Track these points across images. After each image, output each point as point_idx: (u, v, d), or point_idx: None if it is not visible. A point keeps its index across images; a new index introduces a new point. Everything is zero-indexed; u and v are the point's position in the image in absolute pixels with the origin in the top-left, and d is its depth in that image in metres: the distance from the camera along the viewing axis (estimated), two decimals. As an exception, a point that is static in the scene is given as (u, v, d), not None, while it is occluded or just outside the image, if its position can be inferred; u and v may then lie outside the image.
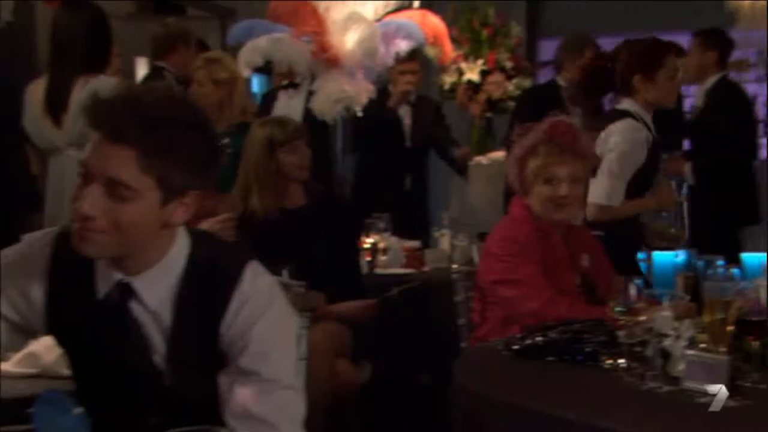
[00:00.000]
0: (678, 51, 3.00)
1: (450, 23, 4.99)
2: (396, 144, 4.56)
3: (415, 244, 3.81)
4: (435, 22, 3.56)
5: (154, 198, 1.29)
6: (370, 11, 3.47)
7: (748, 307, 1.76)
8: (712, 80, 4.39)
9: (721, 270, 2.09)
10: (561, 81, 4.45)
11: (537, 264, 2.33)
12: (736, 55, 6.49)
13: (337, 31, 3.36)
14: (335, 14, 3.37)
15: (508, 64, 4.77)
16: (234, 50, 3.64)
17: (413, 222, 4.35)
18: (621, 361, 1.84)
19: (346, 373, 2.68)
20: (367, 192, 4.65)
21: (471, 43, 4.77)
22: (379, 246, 3.52)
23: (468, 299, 2.52)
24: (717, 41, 4.42)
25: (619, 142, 2.88)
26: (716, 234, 4.15)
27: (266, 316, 1.36)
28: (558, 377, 1.83)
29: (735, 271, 2.11)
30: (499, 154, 4.52)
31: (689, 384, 1.66)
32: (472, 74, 4.73)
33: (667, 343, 1.72)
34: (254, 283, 1.38)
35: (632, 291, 1.88)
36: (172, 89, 1.45)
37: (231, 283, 1.36)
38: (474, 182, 4.71)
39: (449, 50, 3.70)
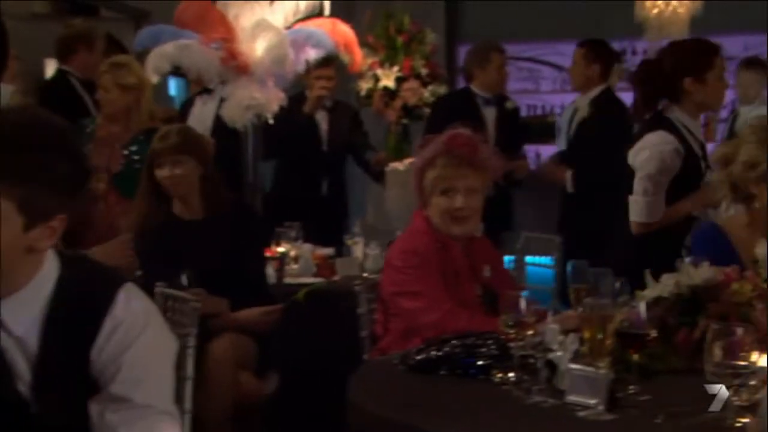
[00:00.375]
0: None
1: (366, 30, 5.02)
2: (312, 149, 4.55)
3: (328, 251, 3.81)
4: (345, 30, 3.56)
5: (16, 224, 1.25)
6: (279, 19, 3.44)
7: (630, 320, 1.81)
8: (595, 91, 4.50)
9: (610, 281, 2.16)
10: (475, 88, 4.52)
11: (437, 276, 2.35)
12: (646, 63, 6.77)
13: (246, 39, 3.32)
14: (244, 21, 3.33)
15: (424, 71, 4.81)
16: (142, 55, 3.57)
17: (330, 228, 4.35)
18: (511, 374, 1.87)
19: (249, 385, 2.66)
20: (284, 198, 4.64)
21: (386, 49, 4.78)
22: (291, 254, 3.50)
23: (371, 311, 2.53)
24: (601, 53, 4.54)
25: (646, 159, 2.83)
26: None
27: (140, 340, 1.33)
28: (449, 392, 1.85)
29: (625, 282, 2.18)
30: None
31: (572, 398, 1.70)
32: (388, 81, 4.75)
33: (552, 356, 1.76)
34: (128, 307, 1.35)
35: (522, 304, 1.91)
36: (34, 111, 1.39)
37: (102, 307, 1.33)
38: (390, 188, 4.72)
39: (359, 58, 3.70)
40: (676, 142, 2.84)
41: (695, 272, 1.99)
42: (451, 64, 6.21)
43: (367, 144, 4.67)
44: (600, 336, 1.69)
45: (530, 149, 5.55)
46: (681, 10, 5.32)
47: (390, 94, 4.81)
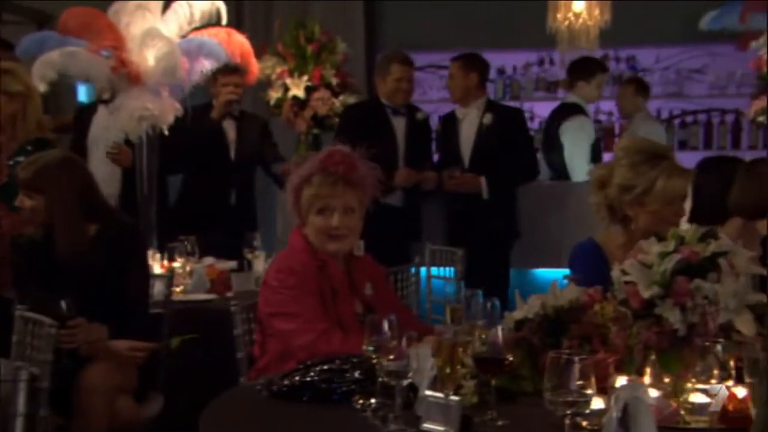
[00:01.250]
0: None
1: (276, 38, 4.96)
2: (219, 159, 4.46)
3: (231, 265, 3.73)
4: (241, 40, 3.48)
5: None
6: (174, 28, 3.35)
7: (490, 344, 1.79)
8: (480, 102, 4.57)
9: (481, 300, 2.14)
10: (382, 98, 4.49)
11: (314, 295, 2.30)
12: (562, 74, 6.86)
13: (137, 48, 3.22)
14: (135, 30, 3.23)
15: (334, 81, 4.77)
16: (30, 62, 3.43)
17: (237, 241, 4.26)
18: (372, 401, 1.83)
19: (127, 410, 2.57)
20: (190, 209, 4.53)
21: (296, 58, 4.73)
22: (186, 269, 3.41)
23: (251, 331, 2.46)
24: (476, 64, 4.61)
25: None
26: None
27: None
28: (306, 420, 1.80)
29: (496, 303, 2.17)
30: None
31: (427, 425, 1.67)
32: (297, 90, 4.70)
33: (407, 382, 1.73)
34: None
35: (385, 326, 1.87)
36: None
37: None
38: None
39: (255, 69, 3.64)
40: None
41: (561, 293, 1.99)
42: (370, 73, 6.20)
43: (276, 155, 4.60)
44: (450, 364, 1.66)
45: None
46: (590, 23, 5.41)
47: (300, 103, 4.76)
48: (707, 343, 1.59)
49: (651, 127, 5.44)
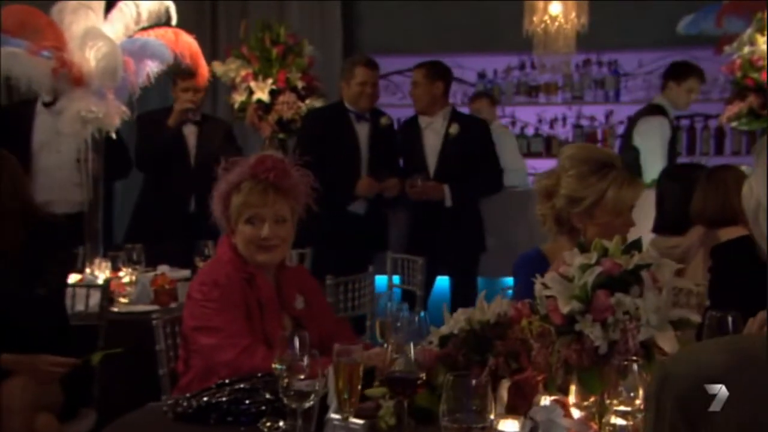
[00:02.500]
0: None
1: (241, 40, 4.84)
2: (179, 165, 4.34)
3: (185, 273, 3.61)
4: (189, 41, 3.35)
5: None
6: (120, 28, 3.22)
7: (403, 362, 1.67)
8: (446, 110, 4.47)
9: (406, 314, 2.02)
10: (346, 103, 4.36)
11: (238, 310, 2.18)
12: (543, 78, 6.76)
13: (77, 48, 3.09)
14: (77, 30, 3.10)
15: (300, 84, 4.65)
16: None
17: (196, 248, 4.14)
18: (281, 423, 1.71)
19: (47, 428, 2.43)
20: (150, 216, 4.42)
21: (261, 61, 4.61)
22: (131, 279, 3.29)
23: (176, 346, 2.34)
24: (441, 72, 4.51)
25: None
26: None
27: None
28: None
29: (422, 314, 2.05)
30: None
31: (330, 450, 1.55)
32: (262, 94, 4.57)
33: (308, 405, 1.60)
34: None
35: (297, 344, 1.75)
36: None
37: None
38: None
39: (205, 72, 3.51)
40: None
41: (488, 307, 1.86)
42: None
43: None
44: (348, 386, 1.53)
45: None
46: (567, 26, 5.29)
47: (264, 107, 4.64)
48: (625, 362, 1.46)
49: (507, 137, 5.52)
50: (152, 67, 3.23)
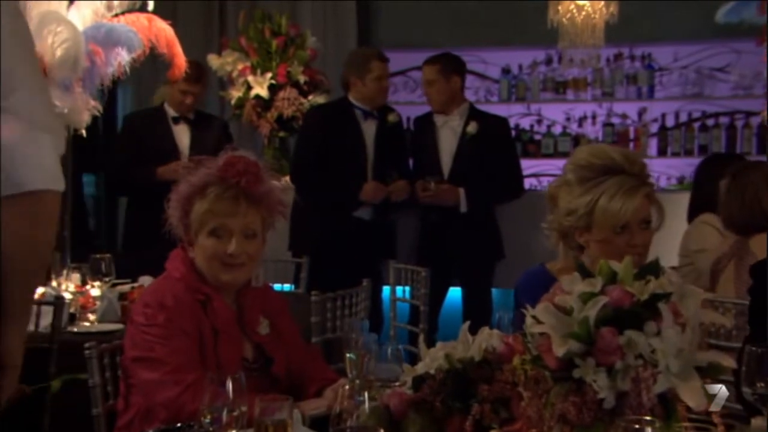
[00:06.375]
0: None
1: (240, 31, 4.52)
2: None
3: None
4: (164, 27, 3.03)
5: None
6: (88, 13, 2.91)
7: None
8: (463, 107, 4.12)
9: (374, 347, 1.67)
10: (353, 99, 4.01)
11: (188, 337, 1.84)
12: (571, 74, 6.35)
13: (35, 35, 2.78)
14: (35, 14, 2.78)
15: (302, 79, 4.31)
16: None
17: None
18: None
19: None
20: (140, 221, 4.13)
21: (259, 54, 4.27)
22: (102, 293, 2.97)
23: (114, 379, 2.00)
24: (455, 65, 4.14)
25: None
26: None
27: None
28: None
29: (400, 349, 1.70)
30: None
31: None
32: (261, 89, 4.24)
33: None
34: None
35: (230, 387, 1.41)
36: None
37: None
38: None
39: (181, 62, 3.18)
40: None
41: (473, 340, 1.50)
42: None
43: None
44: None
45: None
46: (595, 17, 4.90)
47: (263, 104, 4.31)
48: (637, 423, 1.09)
49: None
50: (123, 56, 2.91)
